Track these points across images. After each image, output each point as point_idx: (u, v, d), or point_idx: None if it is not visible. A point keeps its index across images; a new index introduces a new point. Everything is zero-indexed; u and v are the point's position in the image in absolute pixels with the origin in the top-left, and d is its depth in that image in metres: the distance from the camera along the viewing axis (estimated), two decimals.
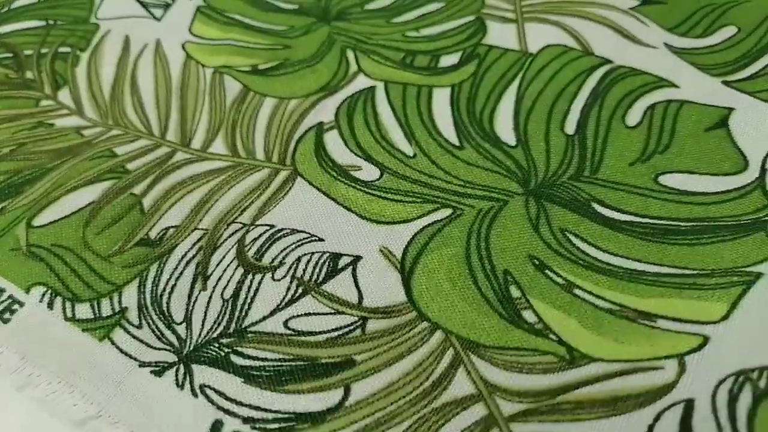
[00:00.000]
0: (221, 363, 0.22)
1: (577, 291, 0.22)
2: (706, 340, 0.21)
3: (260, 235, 0.25)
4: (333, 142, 0.28)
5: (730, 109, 0.27)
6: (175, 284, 0.24)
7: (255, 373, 0.22)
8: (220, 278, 0.24)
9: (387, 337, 0.22)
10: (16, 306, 0.24)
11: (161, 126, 0.29)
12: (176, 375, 0.22)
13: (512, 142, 0.27)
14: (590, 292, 0.22)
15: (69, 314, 0.24)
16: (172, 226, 0.26)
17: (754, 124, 0.26)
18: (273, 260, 0.24)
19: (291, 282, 0.24)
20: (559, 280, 0.23)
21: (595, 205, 0.25)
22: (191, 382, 0.22)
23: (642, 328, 0.21)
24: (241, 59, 0.32)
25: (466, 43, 0.31)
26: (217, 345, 0.22)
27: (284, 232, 0.25)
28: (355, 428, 0.21)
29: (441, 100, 0.29)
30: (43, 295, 0.24)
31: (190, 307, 0.24)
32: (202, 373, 0.22)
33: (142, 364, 0.22)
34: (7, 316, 0.24)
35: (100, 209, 0.26)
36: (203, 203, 0.26)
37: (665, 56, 0.29)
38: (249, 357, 0.22)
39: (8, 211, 0.26)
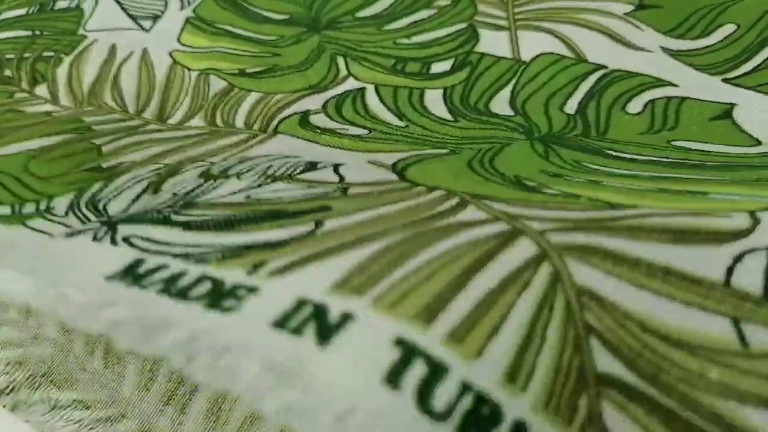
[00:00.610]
0: (156, 220, 0.17)
1: (603, 182, 0.19)
2: None
3: (227, 160, 0.22)
4: (318, 118, 0.26)
5: (733, 104, 0.26)
6: (118, 194, 0.21)
7: (199, 223, 0.16)
8: (174, 185, 0.21)
9: (373, 193, 0.18)
10: None
11: (137, 109, 0.28)
12: (94, 234, 0.17)
13: (510, 114, 0.26)
14: (620, 183, 0.19)
15: None
16: (129, 162, 0.23)
17: (759, 115, 0.25)
18: (239, 171, 0.21)
19: (259, 177, 0.20)
20: (580, 179, 0.19)
21: (610, 151, 0.22)
22: (112, 238, 0.16)
23: (693, 197, 0.17)
24: (227, 64, 0.31)
25: (458, 50, 0.31)
26: (156, 213, 0.18)
27: (256, 157, 0.22)
28: (325, 246, 0.15)
29: (433, 96, 0.28)
30: None
31: (131, 205, 0.20)
32: (128, 229, 0.17)
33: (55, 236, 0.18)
34: None
35: (50, 148, 0.24)
36: (168, 152, 0.24)
37: (662, 59, 0.29)
38: (194, 215, 0.17)
39: None
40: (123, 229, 0.16)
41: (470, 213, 0.16)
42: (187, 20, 0.34)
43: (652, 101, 0.26)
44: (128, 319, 0.13)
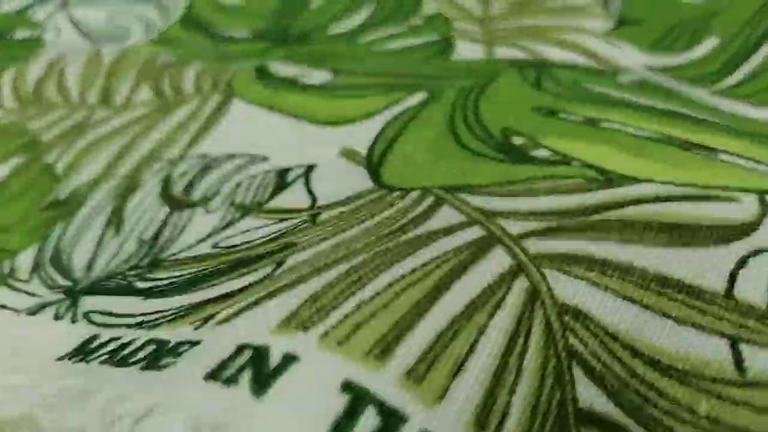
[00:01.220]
0: (121, 290, 0.16)
1: (603, 124, 0.16)
2: None
3: (191, 168, 0.20)
4: (277, 64, 0.24)
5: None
6: (82, 236, 0.20)
7: (161, 289, 0.16)
8: (138, 221, 0.19)
9: (344, 215, 0.16)
10: None
11: (81, 93, 0.25)
12: (56, 310, 0.16)
13: None
14: (623, 123, 0.16)
15: None
16: (86, 182, 0.21)
17: None
18: (206, 193, 0.19)
19: (228, 209, 0.18)
20: (577, 118, 0.17)
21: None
22: (74, 313, 0.16)
23: (701, 158, 0.15)
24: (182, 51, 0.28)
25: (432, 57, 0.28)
26: (121, 277, 0.17)
27: (220, 160, 0.20)
28: (281, 283, 0.13)
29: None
30: None
31: (97, 253, 0.19)
32: (91, 302, 0.16)
33: (19, 312, 0.17)
34: None
35: (6, 185, 0.22)
36: (122, 152, 0.22)
37: (643, 88, 0.26)
38: (157, 279, 0.16)
39: None
40: (85, 302, 0.16)
41: (443, 216, 0.14)
42: (150, 41, 0.31)
43: None
44: (57, 395, 0.12)
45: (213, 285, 0.14)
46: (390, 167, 0.17)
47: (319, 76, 0.22)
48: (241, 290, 0.13)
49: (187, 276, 0.16)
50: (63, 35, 0.32)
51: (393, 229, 0.14)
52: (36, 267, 0.19)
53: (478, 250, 0.13)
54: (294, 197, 0.18)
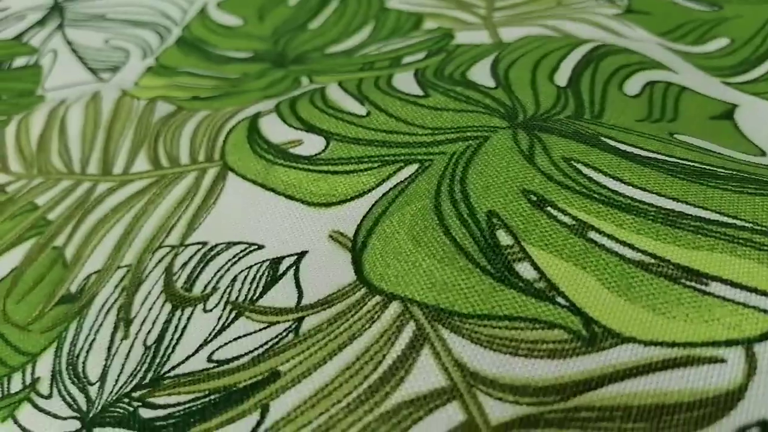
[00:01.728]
0: (127, 421, 0.17)
1: (592, 235, 0.15)
2: None
3: (191, 258, 0.20)
4: (269, 123, 0.23)
5: (734, 105, 0.23)
6: (94, 339, 0.20)
7: (161, 423, 0.16)
8: (144, 321, 0.19)
9: (324, 331, 0.16)
10: None
11: (83, 161, 0.26)
12: None
13: (491, 84, 0.22)
14: (612, 237, 0.15)
15: None
16: (94, 272, 0.22)
17: (764, 122, 0.22)
18: (205, 287, 0.19)
19: (224, 309, 0.18)
20: (566, 219, 0.16)
21: (606, 139, 0.19)
22: None
23: (689, 293, 0.14)
24: (181, 93, 0.28)
25: (432, 46, 0.27)
26: (127, 401, 0.17)
27: (219, 248, 0.20)
28: None
29: (403, 78, 0.24)
30: None
31: (108, 362, 0.19)
32: None
33: None
34: None
35: (21, 274, 0.23)
36: (125, 236, 0.22)
37: (659, 49, 0.25)
38: (159, 407, 0.17)
39: None
40: None
41: (423, 374, 0.14)
42: (148, 68, 0.31)
43: (651, 84, 0.23)
44: None
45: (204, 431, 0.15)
46: (371, 254, 0.17)
47: (310, 145, 0.21)
48: None
49: (182, 411, 0.16)
50: (60, 59, 0.32)
51: (372, 386, 0.14)
52: (54, 377, 0.20)
53: None
54: (283, 293, 0.18)
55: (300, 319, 0.17)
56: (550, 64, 0.23)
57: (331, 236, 0.18)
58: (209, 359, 0.17)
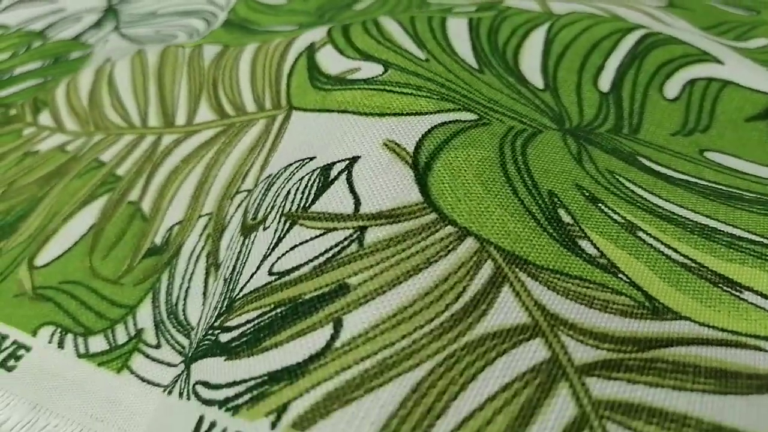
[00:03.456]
0: (211, 349, 0.17)
1: (641, 234, 0.17)
2: None
3: (258, 194, 0.20)
4: (327, 56, 0.23)
5: None
6: (189, 287, 0.20)
7: (236, 343, 0.16)
8: (227, 259, 0.20)
9: (394, 247, 0.16)
10: (21, 351, 0.20)
11: (141, 114, 0.26)
12: (180, 386, 0.17)
13: (540, 85, 0.22)
14: (658, 239, 0.17)
15: (82, 350, 0.20)
16: (176, 223, 0.22)
17: None
18: (266, 210, 0.19)
19: (279, 221, 0.18)
20: (617, 217, 0.17)
21: (642, 159, 0.20)
22: (187, 386, 0.17)
23: (728, 296, 0.16)
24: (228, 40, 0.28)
25: (482, 4, 0.27)
26: (211, 332, 0.17)
27: (278, 173, 0.20)
28: (347, 377, 0.14)
29: (457, 25, 0.24)
30: (52, 335, 0.21)
31: (205, 306, 0.19)
32: (197, 370, 0.17)
33: (166, 389, 0.18)
34: (11, 363, 0.20)
35: (102, 230, 0.23)
36: (201, 185, 0.22)
37: (704, 38, 0.26)
38: (233, 328, 0.16)
39: (4, 252, 0.23)
40: (193, 372, 0.17)
41: (505, 309, 0.14)
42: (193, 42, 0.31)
43: (691, 83, 0.23)
44: None
45: (274, 345, 0.15)
46: (438, 179, 0.17)
47: (368, 69, 0.21)
48: (302, 372, 0.14)
49: (252, 328, 0.16)
50: (109, 44, 0.32)
51: (456, 315, 0.14)
52: (157, 327, 0.20)
53: (545, 385, 0.13)
54: (337, 198, 0.17)
55: (362, 229, 0.16)
56: (596, 63, 0.24)
57: (386, 144, 0.18)
58: (270, 272, 0.17)
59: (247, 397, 0.14)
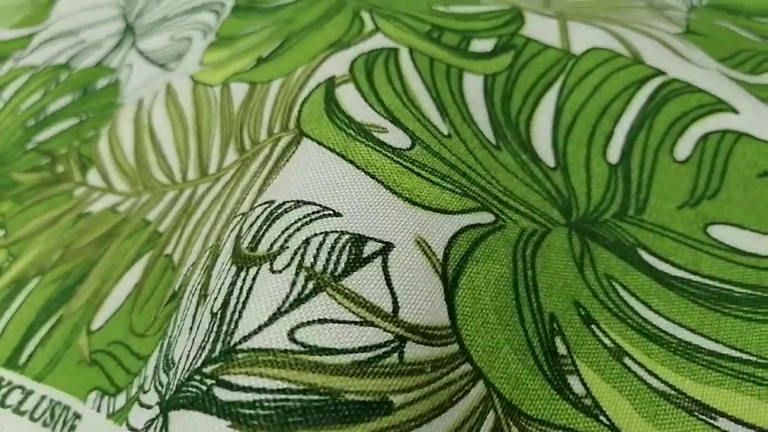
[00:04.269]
0: (202, 402, 0.15)
1: (627, 361, 0.19)
2: None
3: (257, 218, 0.18)
4: (348, 96, 0.21)
5: None
6: (183, 323, 0.19)
7: (247, 411, 0.15)
8: (213, 290, 0.18)
9: (429, 374, 0.16)
10: (77, 421, 0.21)
11: (182, 170, 0.26)
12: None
13: (551, 163, 0.23)
14: (642, 365, 0.19)
15: (110, 410, 0.21)
16: (191, 265, 0.22)
17: None
18: (271, 246, 0.17)
19: (297, 273, 0.16)
20: (607, 341, 0.19)
21: (642, 252, 0.22)
22: None
23: (702, 426, 0.18)
24: (245, 60, 0.27)
25: (501, 30, 0.27)
26: (198, 377, 0.16)
27: (287, 206, 0.18)
28: None
29: (473, 85, 0.25)
30: (95, 399, 0.21)
31: (188, 341, 0.18)
32: (179, 420, 0.15)
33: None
34: None
35: (142, 287, 0.24)
36: (215, 222, 0.23)
37: (721, 80, 0.26)
38: (239, 388, 0.15)
39: (66, 318, 0.24)
40: (174, 423, 0.16)
41: None
42: (210, 44, 0.31)
43: (704, 138, 0.24)
44: None
45: None
46: (462, 302, 0.18)
47: (396, 138, 0.20)
48: None
49: (274, 403, 0.15)
50: (134, 69, 0.33)
51: None
52: (155, 372, 0.19)
53: None
54: (374, 287, 0.17)
55: (403, 340, 0.16)
56: (606, 130, 0.24)
57: (418, 242, 0.18)
58: (292, 338, 0.16)
59: None
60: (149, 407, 0.18)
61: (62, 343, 0.23)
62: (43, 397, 0.22)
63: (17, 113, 0.33)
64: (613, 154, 0.24)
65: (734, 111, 0.24)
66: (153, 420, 0.16)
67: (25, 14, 0.39)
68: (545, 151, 0.24)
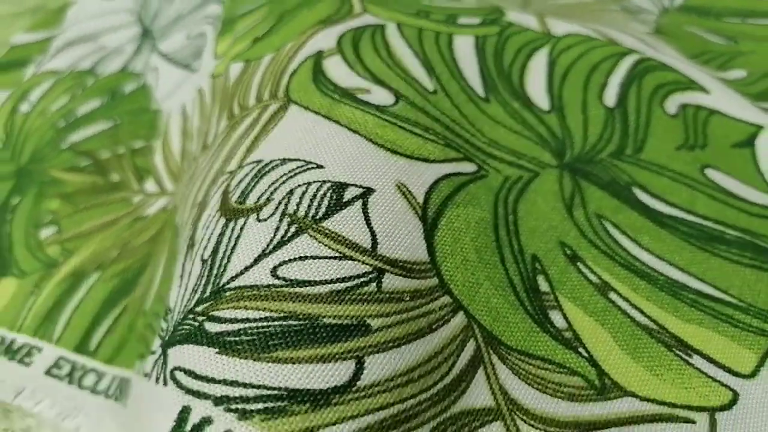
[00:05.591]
0: (194, 336, 0.16)
1: (612, 295, 0.19)
2: (735, 397, 0.18)
3: (246, 175, 0.19)
4: (335, 66, 0.22)
5: (759, 127, 0.24)
6: (174, 272, 0.21)
7: (232, 338, 0.16)
8: (202, 239, 0.19)
9: (407, 302, 0.17)
10: (131, 390, 0.22)
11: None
12: (157, 371, 0.17)
13: (545, 106, 0.23)
14: (627, 300, 0.19)
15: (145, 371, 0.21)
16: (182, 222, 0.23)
17: None
18: (258, 199, 0.18)
19: (281, 220, 0.17)
20: (593, 277, 0.19)
21: (637, 191, 0.21)
22: (164, 371, 0.17)
23: (678, 362, 0.18)
24: (244, 43, 0.28)
25: (486, 16, 0.27)
26: (192, 316, 0.17)
27: (273, 163, 0.19)
28: (369, 421, 0.15)
29: (464, 43, 0.25)
30: (137, 366, 0.22)
31: (180, 287, 0.19)
32: (175, 355, 0.16)
33: (147, 375, 0.18)
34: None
35: (169, 260, 0.24)
36: (201, 182, 0.23)
37: (691, 65, 0.26)
38: (226, 320, 0.16)
39: (129, 308, 0.25)
40: (171, 357, 0.16)
41: (477, 393, 0.17)
42: (217, 33, 0.32)
43: (684, 105, 0.24)
44: None
45: (292, 360, 0.15)
46: (441, 241, 0.18)
47: (379, 95, 0.21)
48: (327, 394, 0.15)
49: (256, 330, 0.16)
50: (161, 72, 0.34)
51: (448, 387, 0.17)
52: (158, 322, 0.20)
53: None
54: (353, 226, 0.17)
55: (381, 272, 0.17)
56: (599, 81, 0.25)
57: (399, 187, 0.18)
58: (275, 274, 0.16)
59: (259, 405, 0.15)
60: (154, 352, 0.19)
61: (127, 329, 0.25)
62: (114, 378, 0.24)
63: (47, 115, 0.34)
64: (610, 99, 0.24)
65: (705, 91, 0.25)
66: (156, 360, 0.17)
67: (35, 19, 0.40)
68: (540, 97, 0.24)
